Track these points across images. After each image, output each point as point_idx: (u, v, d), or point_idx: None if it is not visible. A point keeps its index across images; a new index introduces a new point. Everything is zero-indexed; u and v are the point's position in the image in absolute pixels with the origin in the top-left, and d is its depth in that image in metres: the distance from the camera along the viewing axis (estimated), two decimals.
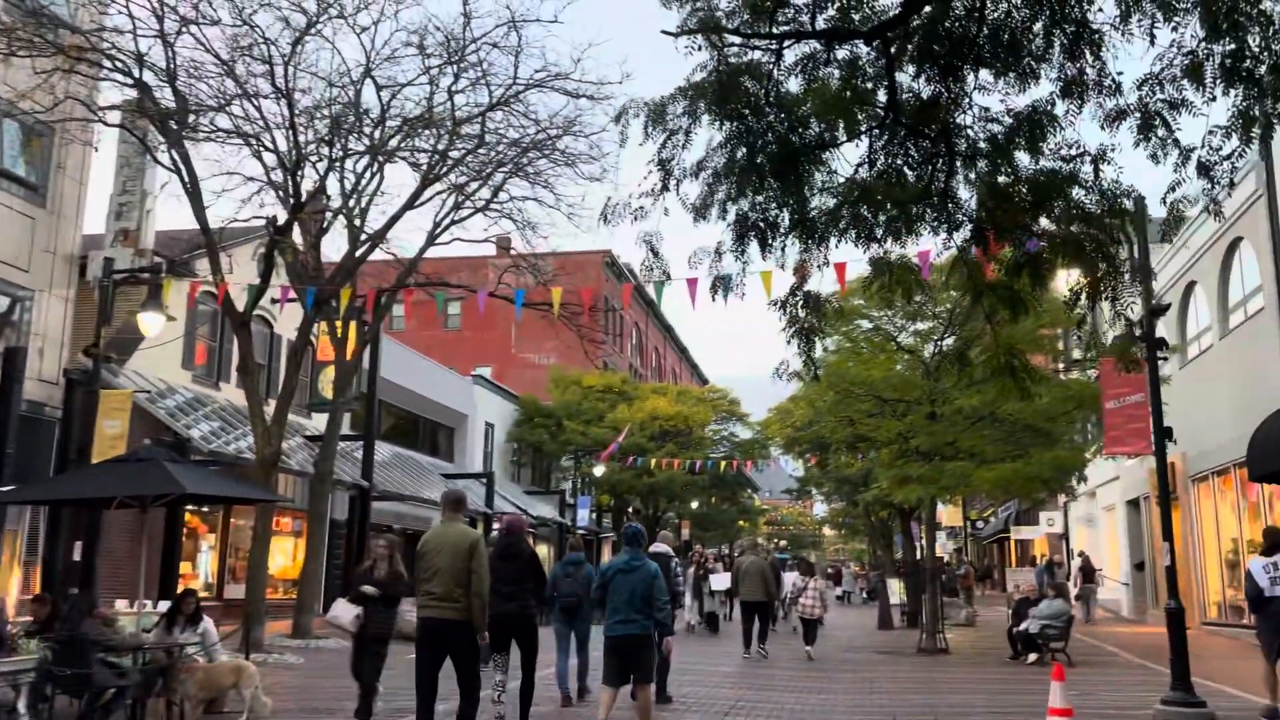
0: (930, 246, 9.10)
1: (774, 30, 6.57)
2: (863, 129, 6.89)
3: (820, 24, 6.59)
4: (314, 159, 17.88)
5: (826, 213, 7.17)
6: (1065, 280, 7.91)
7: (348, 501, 23.83)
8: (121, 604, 13.38)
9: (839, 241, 7.22)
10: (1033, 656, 16.27)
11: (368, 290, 18.46)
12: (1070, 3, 6.12)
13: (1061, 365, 20.97)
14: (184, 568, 19.55)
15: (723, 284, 7.49)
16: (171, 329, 18.09)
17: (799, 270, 7.54)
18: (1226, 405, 19.72)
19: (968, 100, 6.69)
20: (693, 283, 12.04)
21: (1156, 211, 6.95)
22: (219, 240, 16.94)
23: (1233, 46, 5.92)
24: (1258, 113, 6.04)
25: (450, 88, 18.40)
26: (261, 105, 17.09)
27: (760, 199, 7.12)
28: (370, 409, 22.99)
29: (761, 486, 58.94)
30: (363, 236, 19.06)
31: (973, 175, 6.97)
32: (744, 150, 6.82)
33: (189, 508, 18.82)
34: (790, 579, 23.93)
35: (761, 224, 7.18)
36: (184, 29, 16.01)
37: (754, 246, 7.21)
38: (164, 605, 12.10)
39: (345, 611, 9.63)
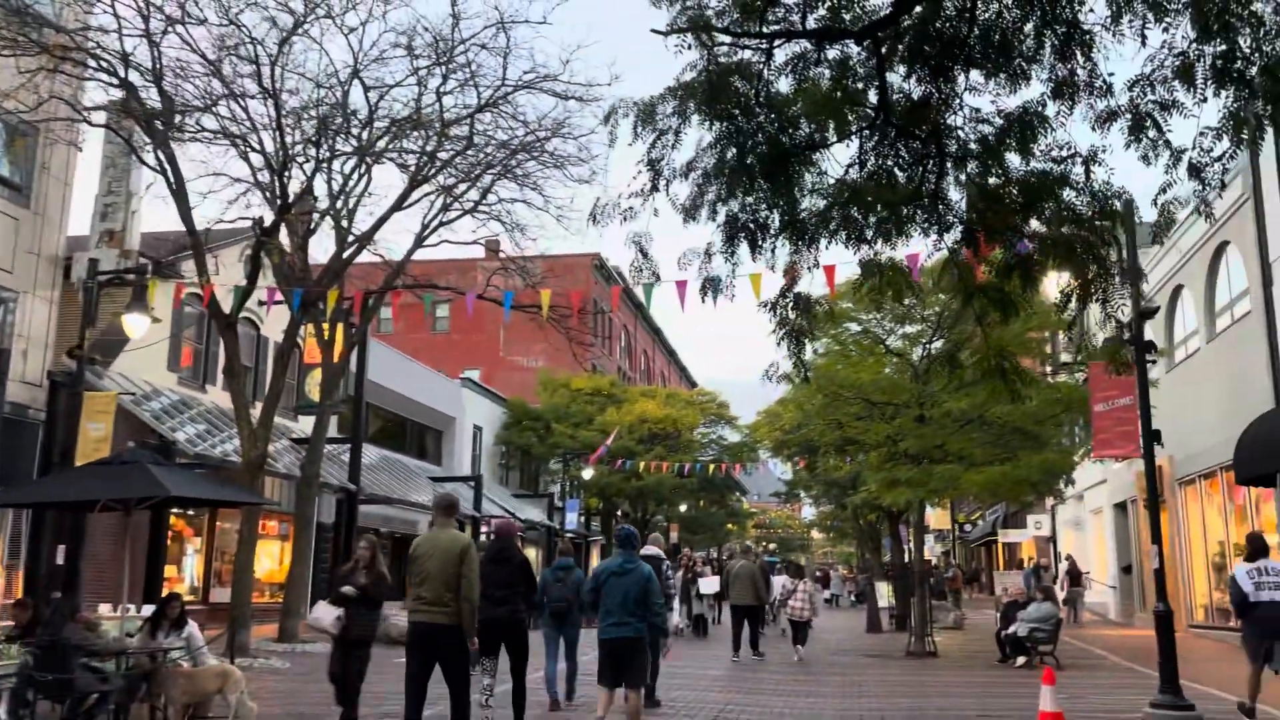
0: (921, 248, 9.09)
1: (764, 29, 6.54)
2: (853, 130, 6.87)
3: (811, 23, 6.57)
4: (301, 160, 17.79)
5: (817, 214, 7.14)
6: (1054, 283, 7.92)
7: (335, 505, 23.71)
8: (105, 608, 13.26)
9: (829, 243, 7.20)
10: (1021, 660, 16.27)
11: (355, 292, 18.39)
12: (1061, 3, 6.11)
13: (1049, 368, 21.01)
14: (169, 571, 19.41)
15: (712, 285, 7.45)
16: (157, 331, 17.97)
17: (789, 272, 7.51)
18: (1213, 409, 19.78)
19: (958, 101, 6.67)
20: (682, 284, 12.02)
21: (1148, 214, 6.93)
22: (205, 241, 16.82)
23: (1224, 48, 5.91)
24: (1249, 114, 6.03)
25: (438, 89, 18.34)
26: (248, 106, 17.02)
27: (750, 200, 7.09)
28: (357, 412, 22.88)
29: (750, 490, 58.97)
30: (350, 238, 18.95)
31: (963, 177, 6.95)
32: (734, 151, 6.78)
33: (174, 511, 18.69)
34: (779, 582, 23.92)
35: (751, 225, 7.15)
36: (170, 28, 15.91)
37: (744, 248, 7.19)
38: (148, 609, 11.99)
39: (326, 613, 9.54)
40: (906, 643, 19.02)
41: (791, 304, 7.59)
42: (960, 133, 6.81)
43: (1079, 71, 6.31)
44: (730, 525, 55.76)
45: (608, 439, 35.86)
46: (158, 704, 9.57)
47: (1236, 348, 18.89)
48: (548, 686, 10.82)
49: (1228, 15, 5.79)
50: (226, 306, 16.74)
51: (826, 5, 6.47)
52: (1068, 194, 6.65)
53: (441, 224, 19.70)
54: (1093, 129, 6.42)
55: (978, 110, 6.73)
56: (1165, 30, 6.01)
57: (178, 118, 16.46)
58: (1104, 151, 6.59)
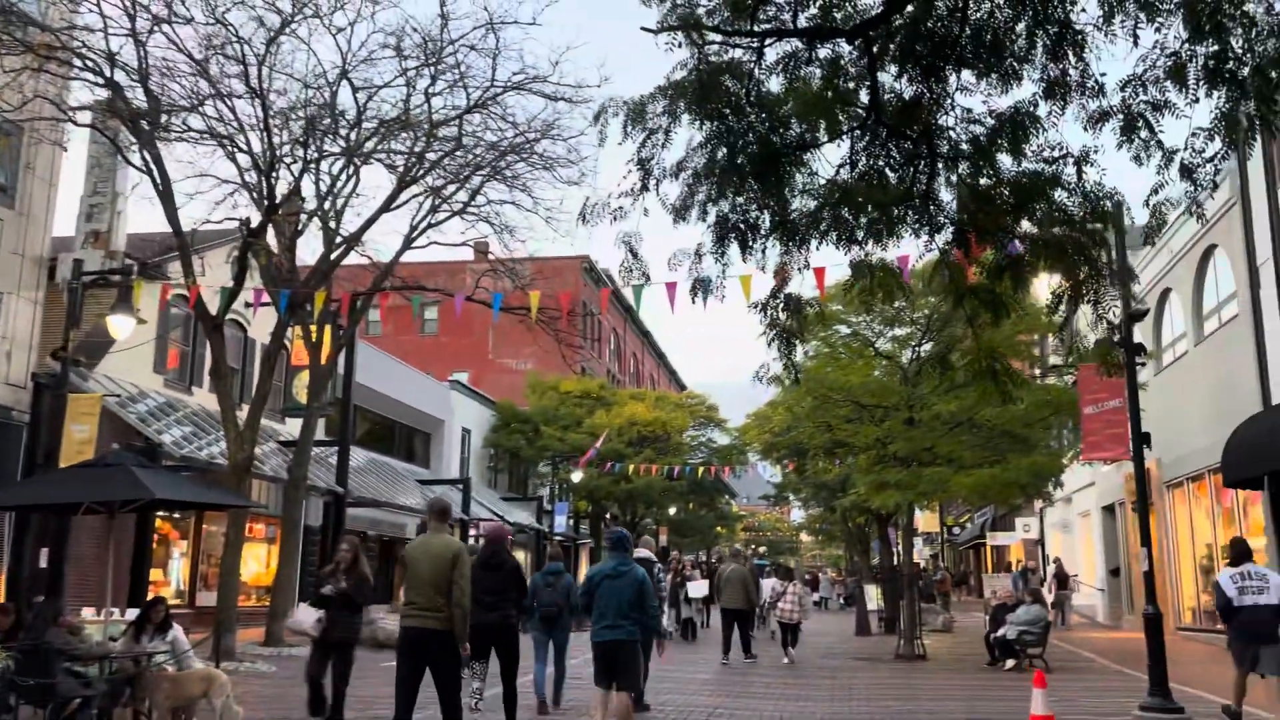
0: (912, 250, 9.07)
1: (755, 28, 6.49)
2: (844, 130, 6.82)
3: (802, 22, 6.52)
4: (289, 160, 17.68)
5: (807, 214, 7.10)
6: (1043, 285, 7.90)
7: (322, 507, 23.58)
8: (89, 612, 13.12)
9: (820, 244, 7.15)
10: (1010, 662, 16.27)
11: (343, 294, 18.27)
12: (1053, 3, 6.08)
13: (1038, 371, 21.04)
14: (155, 575, 19.26)
15: (702, 286, 7.39)
16: (143, 332, 17.83)
17: (779, 273, 7.47)
18: (1201, 412, 19.83)
19: (950, 101, 6.63)
20: (672, 286, 11.98)
21: (1140, 215, 6.92)
22: (191, 243, 16.70)
23: (1216, 48, 5.89)
24: (1241, 115, 6.01)
25: (427, 90, 18.26)
26: (235, 106, 16.91)
27: (741, 200, 7.04)
28: (345, 414, 22.77)
29: (739, 492, 59.00)
30: (338, 239, 18.86)
31: (954, 177, 6.91)
32: (724, 150, 6.73)
33: (160, 514, 18.55)
34: (769, 585, 23.90)
35: (742, 225, 7.10)
36: (156, 27, 15.79)
37: (734, 248, 7.14)
38: (133, 613, 11.88)
39: (307, 615, 9.46)
40: (895, 645, 19.01)
41: (782, 305, 7.54)
42: (952, 133, 6.77)
43: (1071, 72, 6.29)
44: (719, 528, 55.73)
45: (597, 442, 35.80)
46: (142, 709, 9.47)
47: (1224, 351, 18.94)
48: (536, 689, 10.83)
49: (1220, 15, 5.77)
50: (213, 308, 16.62)
51: (818, 4, 6.43)
52: (1059, 195, 6.62)
53: (430, 225, 19.64)
54: (1085, 129, 6.40)
55: (969, 110, 6.70)
56: (1157, 30, 5.99)
57: (164, 117, 16.33)
58: (1096, 152, 6.57)
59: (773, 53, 6.70)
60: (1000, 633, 16.64)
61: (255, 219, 17.27)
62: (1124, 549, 26.56)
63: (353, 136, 18.29)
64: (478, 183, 19.38)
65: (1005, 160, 6.69)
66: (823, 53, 6.71)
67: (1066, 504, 33.21)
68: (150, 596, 13.67)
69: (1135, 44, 6.04)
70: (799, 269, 7.36)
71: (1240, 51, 5.92)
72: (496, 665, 9.89)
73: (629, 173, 6.93)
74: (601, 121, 6.81)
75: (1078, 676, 15.28)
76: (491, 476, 39.63)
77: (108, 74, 15.58)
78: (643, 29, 6.26)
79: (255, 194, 17.31)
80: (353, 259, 19.57)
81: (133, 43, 15.62)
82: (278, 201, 17.26)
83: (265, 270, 17.88)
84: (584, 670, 13.49)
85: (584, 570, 39.92)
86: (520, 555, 35.46)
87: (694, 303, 7.41)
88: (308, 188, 18.46)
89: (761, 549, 78.89)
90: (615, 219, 7.03)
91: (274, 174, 17.10)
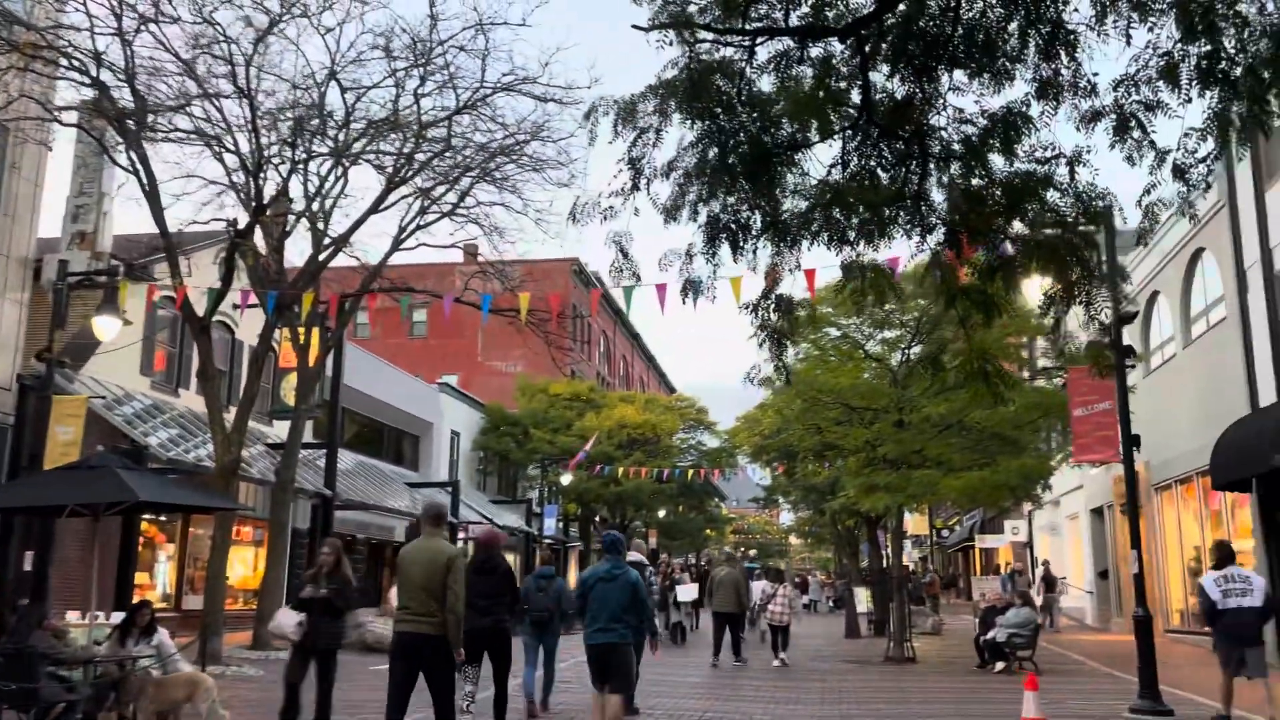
0: (903, 250, 9.04)
1: (747, 26, 6.45)
2: (836, 129, 6.78)
3: (793, 21, 6.48)
4: (276, 161, 17.56)
5: (799, 215, 7.06)
6: (1034, 287, 7.88)
7: (310, 510, 23.45)
8: (73, 615, 12.99)
9: (811, 244, 7.11)
10: (1000, 665, 16.27)
11: (331, 295, 18.17)
12: (1046, 3, 6.06)
13: (1027, 373, 21.09)
14: (141, 578, 19.12)
15: (693, 287, 7.35)
16: (129, 334, 17.71)
17: (770, 274, 7.43)
18: (1189, 414, 19.88)
19: (942, 101, 6.60)
20: (662, 287, 11.94)
21: (1132, 215, 6.89)
22: (178, 243, 16.59)
23: (1208, 48, 5.87)
24: (1233, 115, 6.00)
25: (416, 91, 18.18)
26: (223, 106, 16.80)
27: (732, 200, 7.00)
28: (333, 416, 22.65)
29: (729, 495, 58.97)
30: (326, 240, 18.76)
31: (946, 178, 6.88)
32: (715, 150, 6.69)
33: (146, 517, 18.41)
34: (759, 587, 23.88)
35: (733, 226, 7.06)
36: (143, 27, 15.67)
37: (725, 249, 7.09)
38: (118, 617, 11.77)
39: (288, 619, 9.33)
40: (885, 648, 19.00)
41: (773, 306, 7.51)
42: (943, 133, 6.74)
43: (1063, 71, 6.26)
44: (709, 531, 55.72)
45: (586, 444, 35.74)
46: (126, 713, 9.38)
47: (1212, 354, 18.99)
48: (525, 692, 10.80)
49: (1212, 15, 5.76)
50: (200, 309, 16.51)
51: (809, 3, 6.39)
52: (1052, 195, 6.60)
53: (419, 227, 19.55)
54: (1077, 129, 6.38)
55: (961, 110, 6.67)
56: (1150, 30, 5.97)
57: (151, 118, 16.22)
58: (1088, 152, 6.55)
59: (764, 51, 6.68)
60: (990, 635, 16.64)
61: (243, 220, 17.16)
62: (1112, 552, 26.60)
63: (341, 137, 18.20)
64: (467, 184, 19.31)
65: (997, 160, 6.66)
66: (814, 52, 6.68)
67: (1055, 507, 33.28)
68: (136, 600, 13.58)
69: (1128, 44, 6.03)
70: (790, 270, 7.32)
71: (1233, 51, 5.90)
72: (488, 667, 9.83)
73: (619, 172, 6.88)
74: (592, 120, 6.76)
75: (1067, 679, 15.29)
76: (481, 479, 39.52)
77: (94, 73, 15.46)
78: (634, 27, 6.22)
79: (243, 195, 17.20)
80: (341, 260, 19.47)
81: (119, 42, 15.51)
82: (265, 202, 17.16)
83: (253, 271, 17.76)
84: (572, 675, 13.45)
85: (573, 573, 39.86)
86: (509, 558, 35.35)
87: (685, 303, 7.38)
88: (296, 189, 18.37)
89: (751, 551, 78.92)
90: (605, 218, 6.98)
91: (261, 175, 17.00)
